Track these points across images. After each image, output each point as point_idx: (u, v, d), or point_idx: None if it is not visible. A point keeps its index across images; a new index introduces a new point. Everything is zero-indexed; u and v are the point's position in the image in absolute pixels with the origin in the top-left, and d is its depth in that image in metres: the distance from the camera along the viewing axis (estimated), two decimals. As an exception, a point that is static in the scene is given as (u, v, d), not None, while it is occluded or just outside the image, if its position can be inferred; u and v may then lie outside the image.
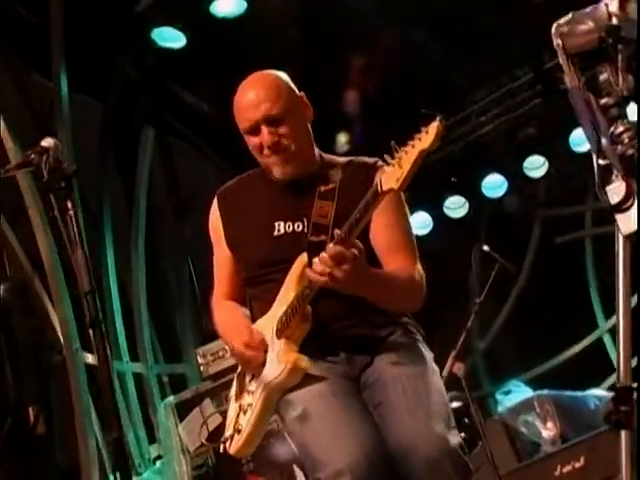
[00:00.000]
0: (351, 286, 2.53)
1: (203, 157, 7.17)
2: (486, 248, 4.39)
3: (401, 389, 2.58)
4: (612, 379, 7.23)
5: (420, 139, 2.34)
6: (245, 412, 2.72)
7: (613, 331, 7.45)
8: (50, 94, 5.65)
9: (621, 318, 2.49)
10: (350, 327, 2.69)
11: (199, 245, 6.60)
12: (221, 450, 2.84)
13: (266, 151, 2.72)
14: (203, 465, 4.93)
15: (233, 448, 2.76)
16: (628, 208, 2.43)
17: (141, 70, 6.42)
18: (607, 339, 7.48)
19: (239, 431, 2.73)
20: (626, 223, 2.45)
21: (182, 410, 5.05)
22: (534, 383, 6.18)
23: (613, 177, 2.50)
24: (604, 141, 2.52)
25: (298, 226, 2.75)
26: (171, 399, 5.17)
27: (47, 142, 2.60)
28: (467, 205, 7.50)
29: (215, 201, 2.93)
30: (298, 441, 2.62)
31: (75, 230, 2.30)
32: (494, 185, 7.47)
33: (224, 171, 6.93)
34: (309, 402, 2.60)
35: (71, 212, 2.31)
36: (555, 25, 2.67)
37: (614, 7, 2.56)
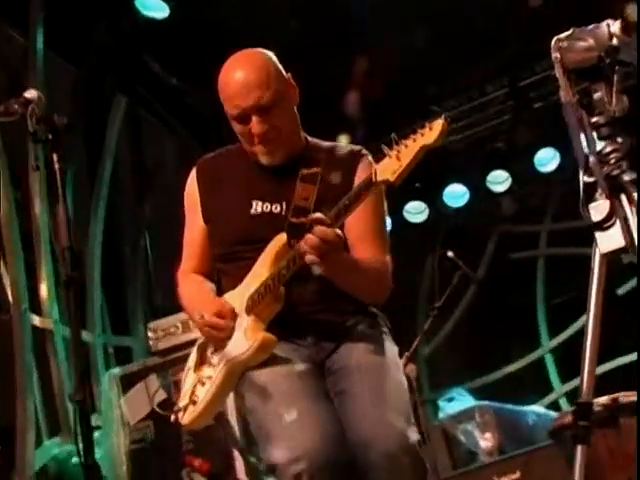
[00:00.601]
0: (329, 268, 2.54)
1: (171, 134, 7.10)
2: (450, 254, 4.42)
3: (365, 380, 2.58)
4: (550, 398, 7.35)
5: (423, 134, 2.33)
6: (204, 384, 2.70)
7: (555, 351, 7.58)
8: (24, 50, 5.55)
9: (589, 335, 2.52)
10: (319, 312, 2.68)
11: (158, 221, 6.60)
12: (172, 419, 2.80)
13: (255, 140, 2.69)
14: (142, 440, 4.87)
15: (187, 419, 2.73)
16: (609, 227, 2.45)
17: (118, 37, 6.33)
18: (549, 358, 7.58)
19: (195, 402, 2.70)
20: (606, 241, 2.48)
21: (126, 383, 4.98)
22: (474, 394, 6.24)
23: (597, 195, 2.52)
24: (592, 159, 2.55)
25: (276, 207, 2.74)
26: (116, 371, 5.10)
27: (30, 94, 2.56)
28: (427, 211, 7.56)
29: (194, 172, 2.90)
30: (257, 420, 2.59)
31: (59, 184, 2.26)
32: (456, 195, 7.54)
33: (191, 150, 6.89)
34: (272, 382, 2.59)
35: (57, 166, 2.27)
36: (555, 39, 2.69)
37: (616, 28, 2.59)
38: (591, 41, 2.61)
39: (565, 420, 3.42)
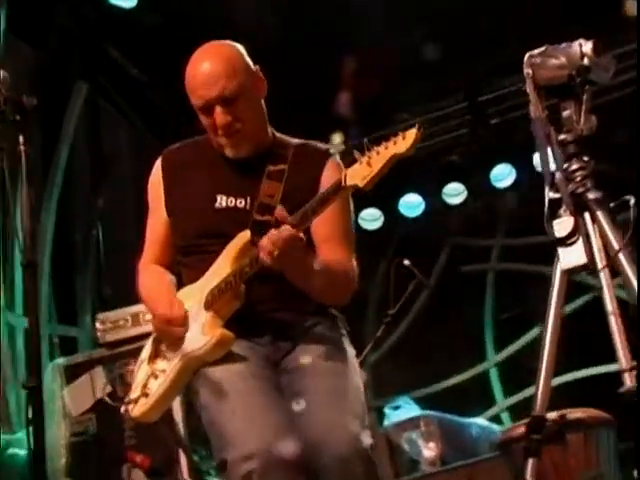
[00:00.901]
0: (286, 270, 2.53)
1: (128, 126, 7.03)
2: (407, 262, 4.42)
3: (321, 382, 2.57)
4: (493, 411, 7.41)
5: (395, 143, 2.31)
6: (157, 377, 2.67)
7: (500, 365, 7.64)
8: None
9: (546, 350, 2.55)
10: (277, 311, 2.67)
11: (111, 212, 6.52)
12: (122, 410, 2.77)
13: (219, 132, 2.67)
14: (83, 433, 4.80)
15: (137, 411, 2.70)
16: (572, 243, 2.48)
17: (80, 22, 6.24)
18: (493, 372, 7.64)
19: (147, 395, 2.67)
20: (568, 258, 2.51)
21: (70, 374, 4.90)
22: (419, 403, 6.26)
23: (561, 211, 2.55)
24: (558, 175, 2.58)
25: (240, 202, 2.71)
26: (60, 361, 5.02)
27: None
28: (382, 219, 7.58)
29: (159, 161, 2.86)
30: (210, 417, 2.57)
31: (24, 167, 2.21)
32: (411, 205, 7.57)
33: (147, 143, 6.84)
34: (228, 379, 2.56)
35: (22, 148, 2.22)
36: (528, 55, 2.73)
37: (588, 49, 2.63)
38: (563, 59, 2.65)
39: (514, 433, 3.45)
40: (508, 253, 7.85)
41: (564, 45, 2.68)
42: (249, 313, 2.64)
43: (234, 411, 2.49)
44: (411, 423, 5.40)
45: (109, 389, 4.80)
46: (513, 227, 7.76)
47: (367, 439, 2.50)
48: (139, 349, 4.70)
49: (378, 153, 2.33)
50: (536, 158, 7.21)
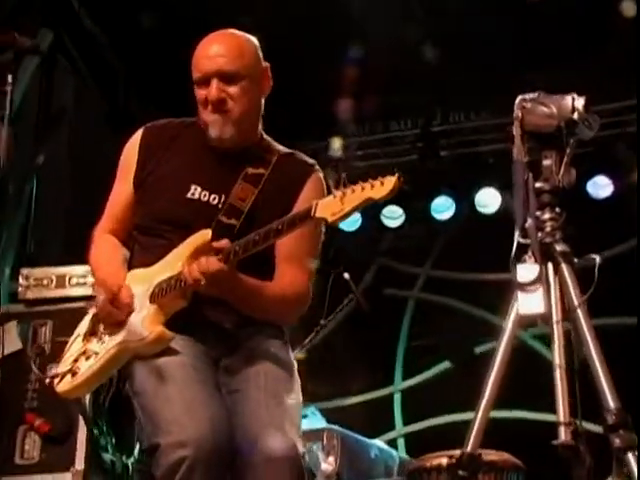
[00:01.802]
0: (220, 295, 2.52)
1: (82, 85, 6.88)
2: (347, 276, 4.42)
3: (262, 384, 2.55)
4: (390, 435, 7.45)
5: (373, 187, 2.30)
6: (88, 358, 2.61)
7: (405, 392, 7.70)
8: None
9: (489, 389, 2.56)
10: (224, 312, 2.61)
11: (49, 170, 6.36)
12: (47, 382, 2.72)
13: (209, 107, 2.63)
14: (-16, 388, 4.66)
15: (61, 387, 2.66)
16: (533, 291, 2.50)
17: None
18: (397, 398, 7.68)
19: (74, 374, 2.62)
20: (527, 304, 2.53)
21: (-18, 326, 4.76)
22: (324, 416, 6.25)
23: (526, 257, 2.57)
24: (529, 221, 2.60)
25: (214, 198, 2.66)
26: (-26, 309, 4.87)
27: None
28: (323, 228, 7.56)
29: (139, 133, 2.80)
30: (146, 403, 2.51)
31: (8, 107, 2.13)
32: (350, 219, 7.54)
33: (96, 105, 6.73)
34: (167, 368, 2.51)
35: (9, 87, 2.14)
36: (520, 98, 2.76)
37: (580, 104, 2.67)
38: (553, 109, 2.68)
39: (428, 463, 3.46)
40: (432, 284, 7.92)
41: (557, 96, 2.72)
42: (195, 313, 2.59)
43: (172, 399, 2.45)
44: (314, 434, 5.37)
45: (19, 346, 4.68)
46: (441, 259, 7.84)
47: (301, 447, 2.48)
48: (58, 311, 4.67)
49: (353, 191, 2.30)
50: (478, 197, 7.39)
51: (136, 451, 5.04)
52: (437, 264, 7.86)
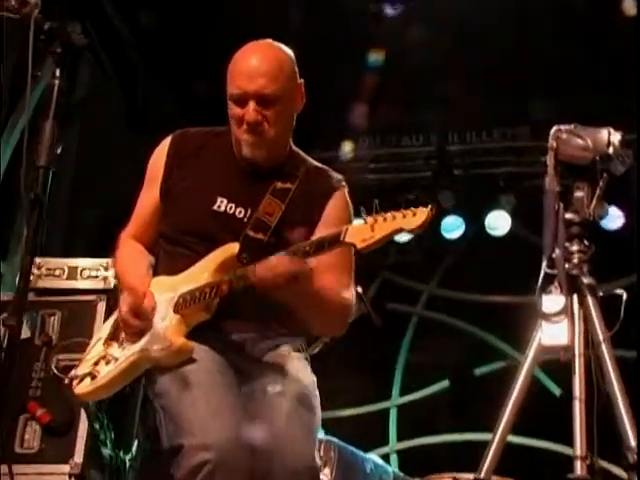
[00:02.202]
0: (283, 298, 2.48)
1: (103, 79, 6.89)
2: (359, 290, 4.40)
3: (284, 397, 2.53)
4: (382, 450, 7.44)
5: (405, 216, 2.25)
6: (108, 363, 2.61)
7: (401, 408, 7.69)
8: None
9: (506, 414, 2.56)
10: (245, 325, 2.61)
11: (65, 162, 6.36)
12: (66, 381, 2.72)
13: (244, 126, 2.61)
14: (-9, 372, 4.65)
15: (80, 389, 2.66)
16: (557, 322, 2.51)
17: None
18: (393, 413, 7.68)
19: (94, 377, 2.61)
20: (550, 334, 2.53)
21: (-10, 310, 4.75)
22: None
23: (552, 287, 2.58)
24: (557, 252, 2.61)
25: (240, 212, 2.64)
26: (-17, 295, 4.87)
27: None
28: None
29: (168, 141, 2.79)
30: (169, 405, 2.49)
31: (54, 101, 2.14)
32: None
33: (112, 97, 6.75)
34: (192, 372, 2.50)
35: (57, 82, 2.15)
36: (556, 128, 2.77)
37: (616, 139, 2.68)
38: (589, 142, 2.69)
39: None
40: (436, 302, 7.93)
41: (593, 129, 2.73)
42: (215, 324, 2.58)
43: (197, 401, 2.43)
44: (312, 445, 5.37)
45: (27, 334, 4.67)
46: (448, 278, 7.84)
47: (318, 461, 2.48)
48: (68, 302, 4.66)
49: (385, 220, 2.26)
50: (488, 219, 7.41)
51: (134, 448, 5.06)
52: (442, 282, 7.87)
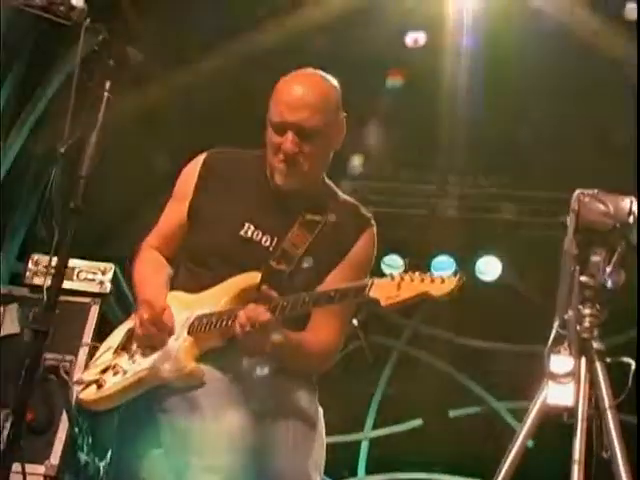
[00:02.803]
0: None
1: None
2: (355, 323, 4.43)
3: (290, 427, 2.53)
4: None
5: (433, 281, 2.23)
6: (116, 373, 2.58)
7: (373, 442, 7.68)
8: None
9: (504, 471, 2.58)
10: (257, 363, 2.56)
11: (74, 159, 6.34)
12: (71, 385, 2.70)
13: (280, 155, 2.58)
14: (-13, 364, 4.61)
15: (84, 396, 2.63)
16: (564, 383, 2.53)
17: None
18: (364, 446, 7.67)
19: (100, 386, 2.58)
20: (556, 395, 2.55)
21: (-17, 304, 4.73)
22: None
23: (562, 348, 2.60)
24: (570, 313, 2.64)
25: (266, 240, 2.62)
26: (-23, 287, 4.85)
27: (78, 1, 2.46)
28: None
29: (200, 159, 2.76)
30: (177, 422, 2.47)
31: (101, 112, 2.15)
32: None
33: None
34: (203, 393, 2.49)
35: (106, 94, 2.16)
36: (579, 192, 2.80)
37: (637, 208, 2.71)
38: (611, 209, 2.72)
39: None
40: (418, 339, 7.95)
41: (616, 196, 2.76)
42: (231, 345, 2.54)
43: (207, 421, 2.44)
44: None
45: (16, 330, 4.65)
46: (433, 317, 7.86)
47: None
48: (61, 302, 4.63)
49: (412, 280, 2.24)
50: (479, 263, 7.45)
51: (109, 455, 5.02)
52: (427, 320, 7.89)
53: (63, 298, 4.56)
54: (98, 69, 2.18)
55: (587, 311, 2.66)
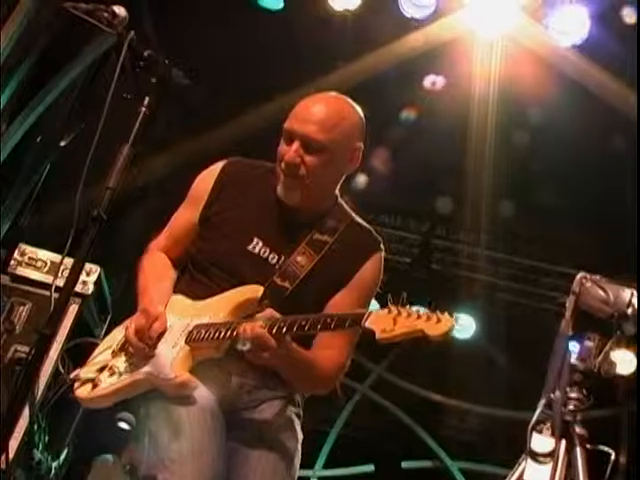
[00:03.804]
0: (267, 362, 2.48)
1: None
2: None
3: (263, 460, 2.55)
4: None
5: (429, 319, 2.21)
6: (112, 374, 2.59)
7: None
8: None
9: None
10: (248, 367, 2.58)
11: (73, 153, 6.29)
12: (68, 380, 2.69)
13: (282, 165, 2.61)
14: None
15: (79, 393, 2.63)
16: (543, 463, 2.54)
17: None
18: (314, 482, 7.65)
19: (95, 386, 2.59)
20: (534, 473, 2.56)
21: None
22: None
23: (544, 428, 2.62)
24: (557, 394, 2.65)
25: (273, 257, 2.64)
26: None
27: (120, 10, 2.47)
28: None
29: (218, 167, 2.78)
30: (156, 432, 2.48)
31: (137, 126, 2.16)
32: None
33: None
34: (186, 409, 2.49)
35: (144, 110, 2.17)
36: (581, 275, 2.82)
37: (636, 301, 2.74)
38: (611, 297, 2.75)
39: None
40: (381, 385, 7.94)
41: (617, 286, 2.79)
42: (223, 362, 2.58)
43: (183, 440, 2.43)
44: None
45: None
46: (399, 365, 7.87)
47: None
48: (41, 297, 4.60)
49: (409, 315, 2.23)
50: (460, 321, 7.47)
51: (62, 457, 4.97)
52: (393, 368, 7.88)
53: (44, 292, 4.64)
54: (139, 82, 2.17)
55: (574, 394, 2.67)
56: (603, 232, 6.40)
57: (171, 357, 2.51)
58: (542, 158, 6.34)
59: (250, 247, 2.64)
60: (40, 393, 4.38)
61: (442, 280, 7.80)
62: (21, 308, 4.64)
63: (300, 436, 2.70)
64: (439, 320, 2.20)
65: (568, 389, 2.68)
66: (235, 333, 2.45)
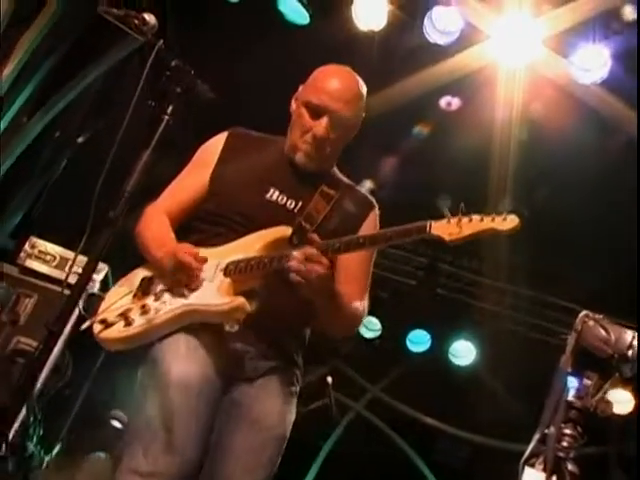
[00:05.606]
0: (311, 291, 2.54)
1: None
2: (329, 380, 4.45)
3: (250, 442, 2.62)
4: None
5: (494, 219, 2.37)
6: (146, 312, 2.61)
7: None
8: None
9: None
10: (254, 340, 2.66)
11: (91, 149, 6.34)
12: (86, 325, 2.65)
13: (308, 137, 2.77)
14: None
15: (107, 334, 2.63)
16: (533, 500, 2.55)
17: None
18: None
19: (129, 324, 2.60)
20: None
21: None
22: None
23: (536, 462, 2.63)
24: (552, 429, 2.67)
25: (291, 203, 2.79)
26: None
27: (150, 17, 2.51)
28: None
29: (223, 136, 2.90)
30: (142, 405, 2.54)
31: (158, 133, 2.19)
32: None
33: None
34: (174, 387, 2.53)
35: (167, 117, 2.20)
36: (584, 313, 2.84)
37: (636, 344, 2.76)
38: (612, 338, 2.76)
39: None
40: (376, 405, 7.95)
41: (619, 326, 2.81)
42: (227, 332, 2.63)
43: (158, 425, 2.48)
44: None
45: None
46: (395, 387, 7.88)
47: None
48: (48, 290, 4.64)
49: (471, 220, 2.39)
50: (455, 345, 7.49)
51: (55, 451, 4.99)
52: (389, 390, 7.89)
53: (50, 286, 4.68)
54: (165, 91, 2.21)
55: (568, 431, 2.68)
56: (613, 269, 6.42)
57: (215, 287, 2.58)
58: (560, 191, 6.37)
59: (268, 196, 2.78)
60: (38, 387, 4.43)
61: (447, 306, 7.82)
62: (27, 300, 4.68)
63: (292, 418, 2.76)
64: (505, 219, 2.36)
65: (563, 425, 2.69)
66: (283, 261, 2.52)
